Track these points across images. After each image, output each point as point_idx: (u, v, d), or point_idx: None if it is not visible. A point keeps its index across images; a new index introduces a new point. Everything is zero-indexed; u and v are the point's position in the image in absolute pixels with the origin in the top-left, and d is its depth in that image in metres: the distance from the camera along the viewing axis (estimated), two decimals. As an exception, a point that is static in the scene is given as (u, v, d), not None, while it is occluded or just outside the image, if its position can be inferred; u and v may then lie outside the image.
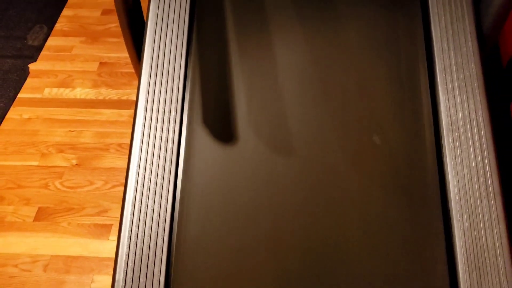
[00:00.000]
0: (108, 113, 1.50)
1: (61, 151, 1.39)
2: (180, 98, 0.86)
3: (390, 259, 0.76)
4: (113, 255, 0.75)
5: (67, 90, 1.57)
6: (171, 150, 0.83)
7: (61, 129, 1.45)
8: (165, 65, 0.88)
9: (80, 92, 1.57)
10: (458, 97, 0.86)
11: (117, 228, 0.82)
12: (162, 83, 0.87)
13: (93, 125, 1.47)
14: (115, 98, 1.55)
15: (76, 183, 1.32)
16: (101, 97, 1.55)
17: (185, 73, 0.89)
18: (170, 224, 0.78)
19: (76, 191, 1.30)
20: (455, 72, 0.88)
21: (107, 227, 1.23)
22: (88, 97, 1.55)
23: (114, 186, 1.32)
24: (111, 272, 0.72)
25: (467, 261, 0.75)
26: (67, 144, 1.41)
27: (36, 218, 1.24)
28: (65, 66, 1.65)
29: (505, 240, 0.76)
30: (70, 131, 1.45)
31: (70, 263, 1.15)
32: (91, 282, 1.12)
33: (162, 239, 0.77)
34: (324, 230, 0.78)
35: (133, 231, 0.77)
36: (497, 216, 0.77)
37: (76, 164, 1.36)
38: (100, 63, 1.66)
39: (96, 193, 1.30)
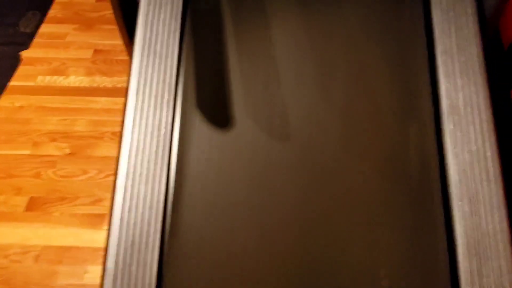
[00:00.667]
0: (102, 101, 1.48)
1: (54, 140, 1.37)
2: (174, 81, 0.84)
3: (390, 244, 0.74)
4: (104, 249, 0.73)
5: (61, 78, 1.54)
6: (164, 134, 0.80)
7: (54, 118, 1.43)
8: (158, 47, 0.86)
9: (74, 80, 1.54)
10: (459, 79, 0.83)
11: (111, 218, 0.80)
12: (155, 65, 0.84)
13: (87, 113, 1.44)
14: (110, 86, 1.53)
15: (69, 172, 1.29)
16: (95, 85, 1.52)
17: (179, 55, 0.86)
18: (163, 211, 0.76)
19: (70, 180, 1.28)
20: (456, 55, 0.85)
21: (101, 217, 1.21)
22: (82, 85, 1.53)
23: (108, 175, 1.29)
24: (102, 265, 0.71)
25: (467, 247, 0.73)
26: (60, 132, 1.39)
27: (28, 208, 1.21)
28: (59, 54, 1.62)
29: (505, 225, 0.74)
30: (63, 119, 1.42)
31: (63, 254, 1.13)
32: (84, 273, 1.10)
33: (154, 226, 0.75)
34: (322, 216, 0.76)
35: (124, 218, 0.75)
36: (498, 201, 0.75)
37: (70, 153, 1.34)
38: (95, 50, 1.64)
39: (90, 182, 1.27)
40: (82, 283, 1.08)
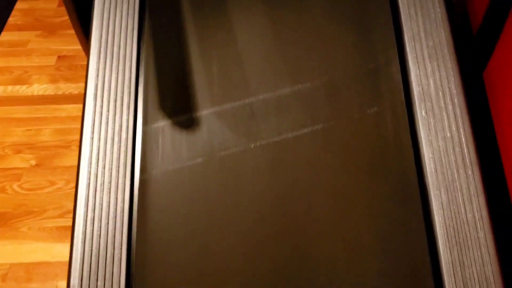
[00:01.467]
0: (68, 109, 1.42)
1: (19, 152, 1.31)
2: (134, 83, 0.80)
3: (367, 238, 0.72)
4: (68, 265, 0.69)
5: (24, 87, 1.48)
6: (126, 140, 0.76)
7: (18, 128, 1.36)
8: (115, 48, 0.81)
9: (38, 88, 1.48)
10: (428, 65, 0.81)
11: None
12: (113, 67, 0.80)
13: (52, 122, 1.38)
14: (76, 92, 1.47)
15: (36, 184, 1.24)
16: (60, 92, 1.47)
17: (138, 56, 0.82)
18: (129, 220, 0.72)
19: (36, 193, 1.22)
20: (424, 40, 0.83)
21: (71, 229, 1.15)
22: (47, 93, 1.47)
23: (77, 185, 1.24)
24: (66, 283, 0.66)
25: (447, 237, 0.71)
26: (25, 144, 1.33)
27: (-6, 225, 1.16)
28: (21, 62, 1.55)
29: (485, 213, 0.72)
30: (28, 129, 1.36)
31: (32, 270, 1.07)
32: (56, 288, 1.05)
33: (120, 237, 0.71)
34: (296, 211, 0.73)
35: (87, 231, 0.71)
36: (476, 187, 0.73)
37: (36, 165, 1.28)
38: (58, 56, 1.57)
39: (58, 194, 1.22)
40: (53, 300, 1.03)
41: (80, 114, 1.39)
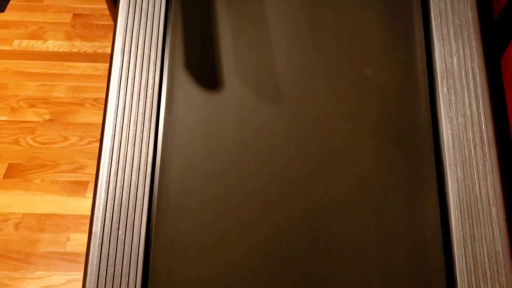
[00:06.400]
0: (83, 67, 1.42)
1: (33, 106, 1.32)
2: (161, 40, 0.80)
3: (383, 210, 0.73)
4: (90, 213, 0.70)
5: (39, 42, 1.48)
6: (152, 96, 0.77)
7: (32, 83, 1.37)
8: (144, 5, 0.81)
9: (53, 44, 1.48)
10: (453, 43, 0.82)
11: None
12: (141, 24, 0.80)
13: (67, 79, 1.39)
14: (91, 51, 1.47)
15: (49, 138, 1.25)
16: (75, 50, 1.47)
17: (166, 13, 0.82)
18: (151, 173, 0.73)
19: (50, 147, 1.23)
20: (450, 18, 0.83)
21: (83, 184, 1.17)
22: (62, 49, 1.47)
23: (90, 142, 1.25)
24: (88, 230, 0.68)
25: (460, 211, 0.72)
26: (39, 98, 1.33)
27: (7, 175, 1.17)
28: (36, 17, 1.55)
29: (499, 189, 0.73)
30: (42, 84, 1.36)
31: (44, 221, 1.09)
32: (67, 241, 1.07)
33: (142, 189, 0.72)
34: (314, 180, 0.74)
35: (111, 181, 0.72)
36: (491, 164, 0.75)
37: (49, 119, 1.29)
38: (74, 14, 1.57)
39: (71, 149, 1.23)
40: (64, 251, 1.06)
41: (95, 73, 1.40)
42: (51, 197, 1.14)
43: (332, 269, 0.70)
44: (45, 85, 1.36)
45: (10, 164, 1.19)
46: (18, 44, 1.46)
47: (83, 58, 1.44)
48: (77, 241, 1.07)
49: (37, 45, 1.47)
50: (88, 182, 1.16)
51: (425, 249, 0.72)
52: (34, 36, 1.49)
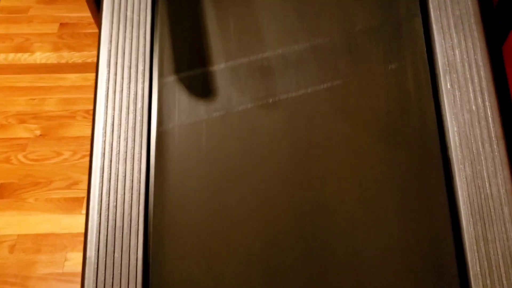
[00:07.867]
0: (72, 78, 1.39)
1: (23, 121, 1.28)
2: (148, 49, 0.76)
3: (388, 212, 0.70)
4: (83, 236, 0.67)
5: (26, 55, 1.44)
6: (141, 108, 0.73)
7: (21, 98, 1.33)
8: (129, 13, 0.78)
9: (40, 56, 1.44)
10: (454, 35, 0.78)
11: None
12: (126, 33, 0.77)
13: (56, 92, 1.35)
14: (79, 61, 1.43)
15: (42, 155, 1.21)
16: (63, 61, 1.43)
17: (153, 21, 0.78)
18: (146, 191, 0.70)
19: (42, 164, 1.20)
20: (450, 9, 0.80)
21: (79, 201, 1.14)
22: (49, 61, 1.43)
23: (84, 156, 1.22)
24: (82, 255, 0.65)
25: (471, 212, 0.69)
26: (29, 113, 1.30)
27: (-1, 195, 1.14)
28: (22, 29, 1.51)
29: (510, 187, 0.70)
30: (31, 99, 1.33)
31: (40, 242, 1.06)
32: (65, 260, 1.04)
33: (137, 208, 0.69)
34: (316, 182, 0.71)
35: (103, 201, 0.69)
36: (501, 161, 0.72)
37: (40, 135, 1.26)
38: (61, 24, 1.53)
39: (65, 165, 1.20)
40: (62, 271, 1.02)
41: (85, 83, 1.37)
42: (46, 216, 1.11)
43: (335, 271, 0.67)
44: (34, 99, 1.33)
45: (2, 184, 1.15)
46: (4, 58, 1.43)
47: (72, 69, 1.41)
48: (75, 260, 1.04)
49: (24, 58, 1.43)
50: (83, 198, 1.13)
51: (437, 253, 0.69)
52: (20, 49, 1.45)
